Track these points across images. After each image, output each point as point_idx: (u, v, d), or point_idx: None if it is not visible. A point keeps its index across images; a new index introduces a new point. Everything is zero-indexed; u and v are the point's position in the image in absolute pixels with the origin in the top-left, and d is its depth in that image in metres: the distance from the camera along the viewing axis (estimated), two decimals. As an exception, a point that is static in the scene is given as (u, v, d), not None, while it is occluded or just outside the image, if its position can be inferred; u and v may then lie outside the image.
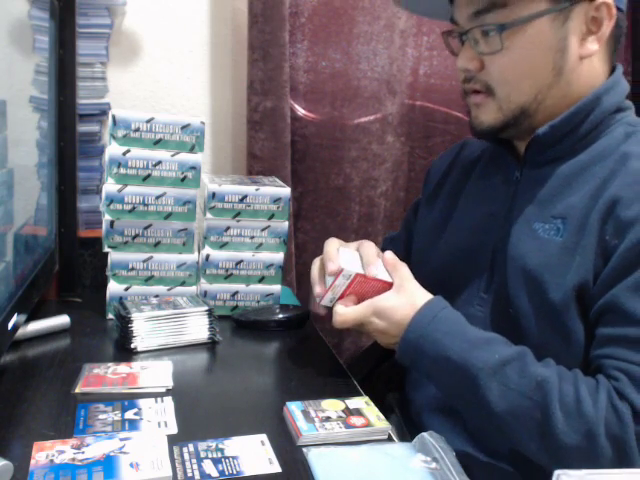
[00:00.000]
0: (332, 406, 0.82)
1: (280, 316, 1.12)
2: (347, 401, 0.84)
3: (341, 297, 0.88)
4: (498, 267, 0.87)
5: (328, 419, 0.79)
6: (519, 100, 0.83)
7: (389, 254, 0.89)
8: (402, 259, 1.10)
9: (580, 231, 0.78)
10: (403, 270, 0.87)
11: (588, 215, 0.78)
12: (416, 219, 1.10)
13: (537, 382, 0.73)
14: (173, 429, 0.77)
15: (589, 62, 0.83)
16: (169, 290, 1.13)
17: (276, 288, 1.18)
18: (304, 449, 0.74)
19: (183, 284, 1.14)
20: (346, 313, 0.86)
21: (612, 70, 0.87)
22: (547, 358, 0.78)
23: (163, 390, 0.86)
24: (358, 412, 0.82)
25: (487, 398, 0.74)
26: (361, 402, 0.84)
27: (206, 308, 1.03)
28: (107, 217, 1.08)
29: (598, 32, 0.81)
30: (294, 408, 0.81)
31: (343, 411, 0.81)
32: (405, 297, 0.84)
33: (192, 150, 1.11)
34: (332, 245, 0.92)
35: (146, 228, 1.10)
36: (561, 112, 0.83)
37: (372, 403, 0.84)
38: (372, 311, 0.85)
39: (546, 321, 0.79)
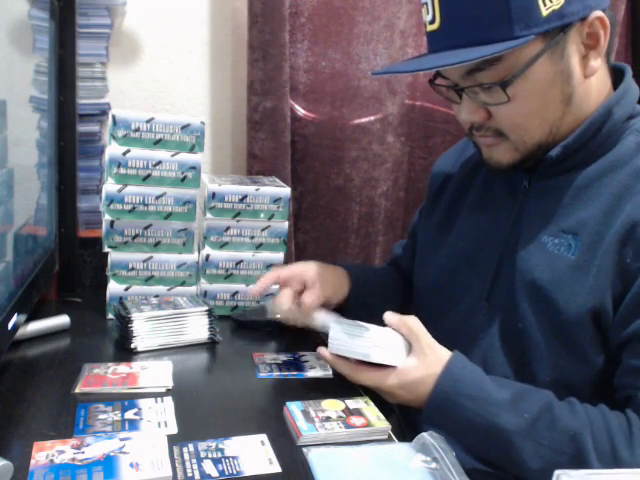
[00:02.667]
0: (332, 406, 0.82)
1: (279, 316, 1.12)
2: (347, 401, 0.84)
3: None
4: (504, 278, 0.86)
5: (328, 419, 0.79)
6: (534, 139, 0.81)
7: (389, 316, 0.86)
8: (410, 264, 1.08)
9: (593, 250, 0.77)
10: (416, 330, 0.84)
11: (603, 234, 0.77)
12: (420, 222, 1.09)
13: (570, 436, 0.73)
14: (173, 429, 0.77)
15: (594, 76, 0.80)
16: (169, 290, 1.13)
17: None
18: (304, 449, 0.74)
19: (183, 284, 1.14)
20: (368, 380, 0.83)
21: (614, 70, 0.85)
22: (571, 398, 0.77)
23: (163, 390, 0.86)
24: (358, 412, 0.82)
25: (522, 457, 0.74)
26: (361, 402, 0.84)
27: (206, 308, 1.03)
28: (107, 217, 1.08)
29: (597, 46, 0.78)
30: (294, 408, 0.81)
31: (343, 411, 0.81)
32: (427, 366, 0.81)
33: (192, 150, 1.11)
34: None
35: (146, 228, 1.10)
36: (574, 132, 0.81)
37: (372, 403, 0.84)
38: (397, 385, 0.81)
39: (557, 339, 0.79)
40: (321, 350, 0.88)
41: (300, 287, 0.98)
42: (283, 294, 0.97)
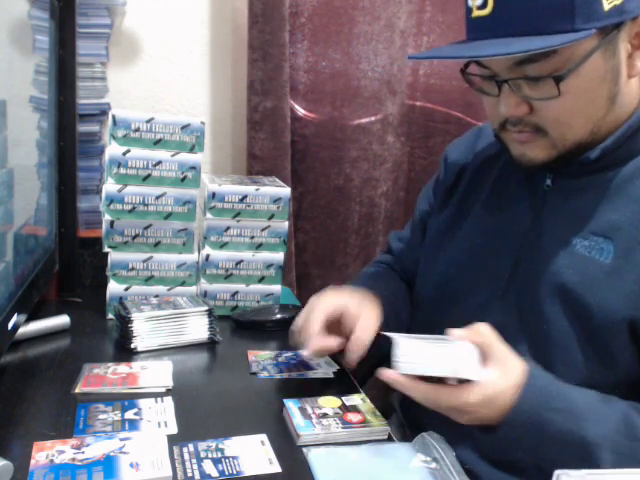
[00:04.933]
0: (329, 403, 0.83)
1: (278, 316, 1.12)
2: (344, 398, 0.84)
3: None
4: (522, 277, 0.83)
5: (325, 416, 0.79)
6: (575, 137, 0.78)
7: (456, 331, 0.74)
8: (414, 257, 1.04)
9: (629, 255, 0.75)
10: (490, 337, 0.74)
11: (639, 239, 0.75)
12: (429, 213, 1.04)
13: None
14: (173, 429, 0.77)
15: (635, 77, 0.78)
16: (169, 290, 1.13)
17: (276, 288, 1.18)
18: (304, 449, 0.74)
19: (183, 284, 1.14)
20: (451, 401, 0.71)
21: None
22: (638, 404, 0.73)
23: (163, 390, 0.86)
24: (354, 408, 0.82)
25: (599, 468, 0.70)
26: (357, 399, 0.85)
27: (206, 308, 1.04)
28: (107, 217, 1.08)
29: None
30: (291, 405, 0.81)
31: (340, 408, 0.82)
32: (507, 377, 0.72)
33: (192, 150, 1.11)
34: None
35: (146, 228, 1.10)
36: (612, 133, 0.78)
37: (368, 400, 0.85)
38: (481, 401, 0.70)
39: (587, 343, 0.76)
40: (386, 373, 0.71)
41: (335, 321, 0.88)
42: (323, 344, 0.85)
